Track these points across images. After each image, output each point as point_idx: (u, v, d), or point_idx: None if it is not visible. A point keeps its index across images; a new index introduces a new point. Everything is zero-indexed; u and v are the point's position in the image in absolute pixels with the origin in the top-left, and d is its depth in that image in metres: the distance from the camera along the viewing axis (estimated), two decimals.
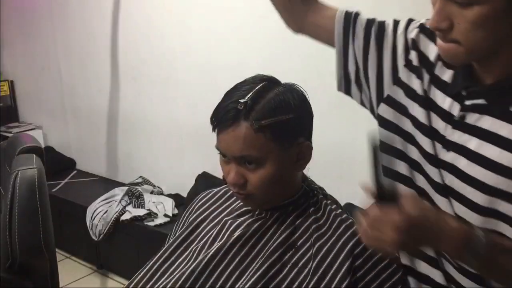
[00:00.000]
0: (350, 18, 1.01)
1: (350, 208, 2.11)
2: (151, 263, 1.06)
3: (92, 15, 3.02)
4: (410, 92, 0.94)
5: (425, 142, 0.90)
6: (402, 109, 0.95)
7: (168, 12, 2.66)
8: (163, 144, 2.91)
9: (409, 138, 0.93)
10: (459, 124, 0.86)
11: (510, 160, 0.79)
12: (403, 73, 0.95)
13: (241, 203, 1.06)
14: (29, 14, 3.40)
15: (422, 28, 0.95)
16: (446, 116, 0.88)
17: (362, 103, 1.06)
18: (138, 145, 3.05)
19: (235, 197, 1.08)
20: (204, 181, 2.66)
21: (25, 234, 1.36)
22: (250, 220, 1.01)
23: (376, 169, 0.77)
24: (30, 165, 1.42)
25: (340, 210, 1.02)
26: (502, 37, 0.78)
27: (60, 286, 1.54)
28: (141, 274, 1.05)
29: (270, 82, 0.96)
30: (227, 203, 1.10)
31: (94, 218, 2.68)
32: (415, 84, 0.94)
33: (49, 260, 1.42)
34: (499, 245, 0.78)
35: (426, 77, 0.92)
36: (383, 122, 0.98)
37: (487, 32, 0.76)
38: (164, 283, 1.01)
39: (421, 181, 0.92)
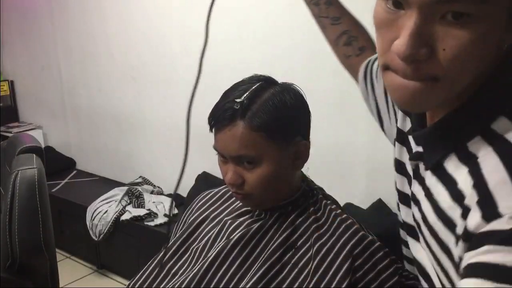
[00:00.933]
0: (368, 64, 0.97)
1: (350, 208, 2.12)
2: (152, 263, 1.06)
3: (92, 15, 3.02)
4: (398, 134, 0.82)
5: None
6: (396, 153, 0.84)
7: (168, 12, 2.66)
8: (163, 144, 2.92)
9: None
10: (416, 174, 0.72)
11: (439, 227, 0.63)
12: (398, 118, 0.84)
13: (241, 203, 1.06)
14: (29, 14, 3.40)
15: None
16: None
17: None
18: (138, 145, 3.05)
19: (234, 197, 1.08)
20: (204, 181, 2.67)
21: (25, 234, 1.36)
22: (249, 220, 1.01)
23: None
24: (30, 165, 1.42)
25: (340, 210, 1.02)
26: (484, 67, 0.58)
27: (60, 286, 1.54)
28: (142, 274, 1.05)
29: (266, 82, 0.97)
30: (227, 203, 1.10)
31: (94, 218, 2.68)
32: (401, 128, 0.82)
33: (49, 260, 1.42)
34: None
35: (403, 116, 0.79)
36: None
37: (480, 58, 0.56)
38: (165, 283, 1.01)
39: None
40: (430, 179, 0.66)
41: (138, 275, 1.05)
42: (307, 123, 1.00)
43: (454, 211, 0.60)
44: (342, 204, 1.13)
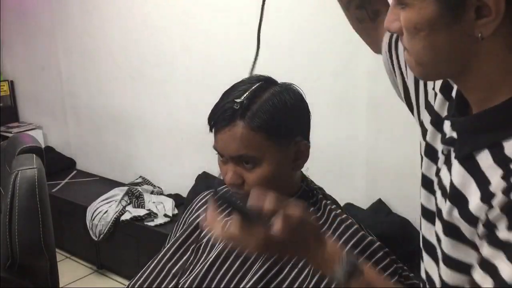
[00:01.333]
0: (392, 39, 0.93)
1: (350, 208, 2.12)
2: (152, 263, 1.06)
3: (92, 15, 3.02)
4: (434, 118, 0.81)
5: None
6: (428, 136, 0.82)
7: (168, 12, 2.66)
8: (163, 144, 2.92)
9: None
10: (446, 159, 0.74)
11: (462, 224, 0.66)
12: (431, 97, 0.84)
13: None
14: (29, 14, 3.40)
15: None
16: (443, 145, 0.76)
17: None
18: (138, 145, 3.05)
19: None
20: (204, 181, 2.67)
21: (25, 234, 1.36)
22: None
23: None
24: (30, 165, 1.42)
25: (339, 210, 1.02)
26: (454, 53, 0.64)
27: (60, 286, 1.54)
28: (142, 274, 1.05)
29: (266, 82, 0.97)
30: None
31: (94, 218, 2.68)
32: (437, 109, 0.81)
33: (49, 260, 1.42)
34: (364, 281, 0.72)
35: (440, 97, 0.79)
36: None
37: (424, 41, 0.64)
38: (165, 283, 1.01)
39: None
40: (459, 169, 0.68)
41: (138, 275, 1.05)
42: (307, 123, 1.00)
43: (481, 212, 0.62)
44: (342, 204, 1.13)
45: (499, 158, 0.62)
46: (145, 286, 1.03)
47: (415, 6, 0.63)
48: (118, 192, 2.83)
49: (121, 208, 2.69)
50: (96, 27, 3.02)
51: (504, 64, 0.63)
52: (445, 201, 0.70)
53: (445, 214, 0.69)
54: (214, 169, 2.65)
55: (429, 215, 0.79)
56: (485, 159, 0.64)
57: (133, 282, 1.05)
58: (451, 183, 0.69)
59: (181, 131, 2.79)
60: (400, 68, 0.91)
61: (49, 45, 3.35)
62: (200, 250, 1.02)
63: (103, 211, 2.69)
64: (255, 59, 0.95)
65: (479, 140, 0.65)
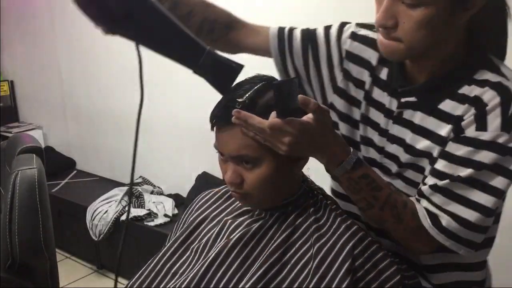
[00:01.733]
0: (284, 39, 1.11)
1: None
2: (152, 263, 1.06)
3: None
4: (349, 99, 1.05)
5: (371, 136, 1.03)
6: (343, 116, 1.06)
7: None
8: (163, 144, 2.92)
9: (354, 144, 1.05)
10: (398, 120, 0.97)
11: (437, 151, 0.90)
12: (342, 82, 1.06)
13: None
14: (29, 14, 3.40)
15: (354, 36, 1.04)
16: (387, 112, 0.98)
17: None
18: (138, 145, 3.05)
19: (234, 197, 1.08)
20: (204, 181, 2.67)
21: (25, 234, 1.36)
22: (249, 220, 1.01)
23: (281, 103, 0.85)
24: (30, 165, 1.42)
25: (340, 210, 1.02)
26: (439, 38, 0.86)
27: (60, 286, 1.54)
28: (142, 274, 1.05)
29: (269, 82, 0.96)
30: (227, 203, 1.10)
31: (94, 218, 2.69)
32: (354, 92, 1.04)
33: (49, 260, 1.42)
34: (365, 173, 0.92)
35: (368, 79, 1.01)
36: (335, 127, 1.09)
37: (428, 32, 0.83)
38: (164, 283, 1.01)
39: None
40: (423, 118, 0.92)
41: (137, 275, 1.05)
42: None
43: (450, 133, 0.88)
44: None
45: (457, 98, 0.88)
46: (144, 286, 1.03)
47: (433, 5, 0.80)
48: (118, 192, 2.83)
49: (121, 208, 2.69)
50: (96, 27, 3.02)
51: (455, 46, 0.89)
52: (403, 149, 0.95)
53: (403, 158, 0.96)
54: (214, 169, 2.65)
55: (379, 165, 1.02)
56: (447, 104, 0.89)
57: (132, 282, 1.05)
58: (423, 130, 0.92)
59: (181, 131, 2.79)
60: (330, 60, 1.07)
61: (49, 45, 3.35)
62: (200, 250, 1.02)
63: (103, 211, 2.69)
64: (140, 105, 0.92)
65: (440, 94, 0.90)
